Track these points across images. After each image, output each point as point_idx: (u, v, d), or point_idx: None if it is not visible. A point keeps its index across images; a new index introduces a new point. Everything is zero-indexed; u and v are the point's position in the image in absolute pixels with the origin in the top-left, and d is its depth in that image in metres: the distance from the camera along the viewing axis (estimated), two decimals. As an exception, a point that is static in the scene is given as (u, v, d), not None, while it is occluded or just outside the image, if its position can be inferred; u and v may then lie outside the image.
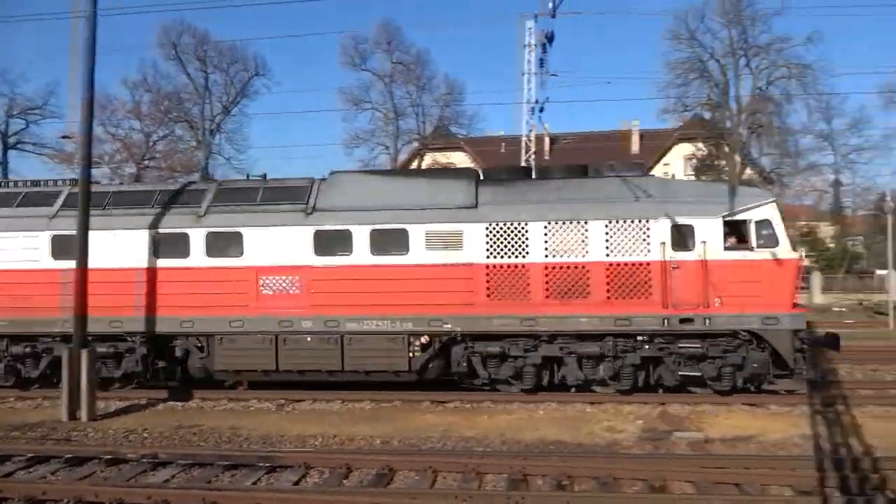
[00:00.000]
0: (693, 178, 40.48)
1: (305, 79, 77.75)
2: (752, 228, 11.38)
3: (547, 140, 50.92)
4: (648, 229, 11.48)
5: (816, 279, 34.39)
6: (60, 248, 12.38)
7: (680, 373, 11.59)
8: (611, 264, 11.51)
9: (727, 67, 37.75)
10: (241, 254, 12.25)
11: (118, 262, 12.38)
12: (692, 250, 11.35)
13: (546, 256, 11.62)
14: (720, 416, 10.84)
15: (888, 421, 10.43)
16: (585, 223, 11.61)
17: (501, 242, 11.71)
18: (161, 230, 12.45)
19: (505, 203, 11.93)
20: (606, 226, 11.57)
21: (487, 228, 11.73)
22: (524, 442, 9.54)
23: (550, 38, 28.09)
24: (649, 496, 7.07)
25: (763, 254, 11.28)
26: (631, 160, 44.74)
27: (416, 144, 43.07)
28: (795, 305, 11.41)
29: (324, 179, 12.93)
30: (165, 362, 12.86)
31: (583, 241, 11.59)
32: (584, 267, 11.54)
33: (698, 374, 11.57)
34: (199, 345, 12.52)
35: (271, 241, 12.17)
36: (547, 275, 11.59)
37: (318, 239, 12.05)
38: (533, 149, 32.94)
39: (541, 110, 31.69)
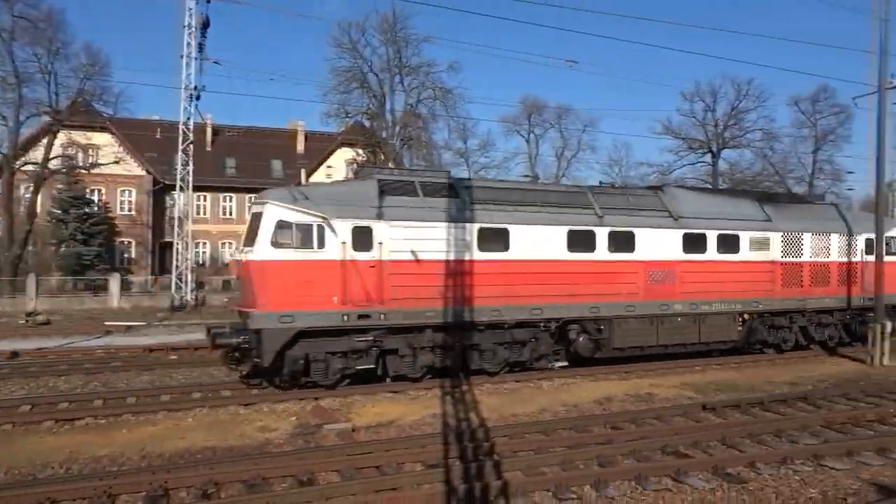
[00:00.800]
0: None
1: None
2: (893, 242, 18.49)
3: (209, 130, 48.30)
4: (856, 241, 18.03)
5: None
6: (484, 240, 13.08)
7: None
8: (840, 263, 17.68)
9: (384, 82, 40.93)
10: (634, 250, 14.70)
11: (537, 254, 13.57)
12: (872, 255, 17.27)
13: (811, 256, 17.17)
14: (367, 405, 11.65)
15: (499, 395, 12.51)
16: (829, 235, 17.61)
17: (789, 246, 16.86)
18: (573, 227, 14.07)
19: (788, 219, 17.09)
20: (838, 238, 17.74)
21: (782, 236, 16.68)
22: (168, 454, 8.84)
23: (206, 24, 26.72)
24: (295, 491, 7.19)
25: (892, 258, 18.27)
26: (296, 158, 45.70)
27: (46, 118, 36.48)
28: None
29: (660, 189, 16.96)
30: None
31: (827, 247, 17.53)
32: (827, 265, 17.51)
33: None
34: (599, 327, 14.48)
35: (655, 241, 14.95)
36: (811, 269, 17.21)
37: (685, 240, 15.34)
38: (191, 137, 30.84)
39: (197, 98, 29.88)
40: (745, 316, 16.54)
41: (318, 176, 49.48)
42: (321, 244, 11.80)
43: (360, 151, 42.34)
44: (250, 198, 36.22)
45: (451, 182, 13.60)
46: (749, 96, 59.10)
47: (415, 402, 11.89)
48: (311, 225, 11.77)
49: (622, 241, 14.55)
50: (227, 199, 48.41)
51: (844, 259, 17.80)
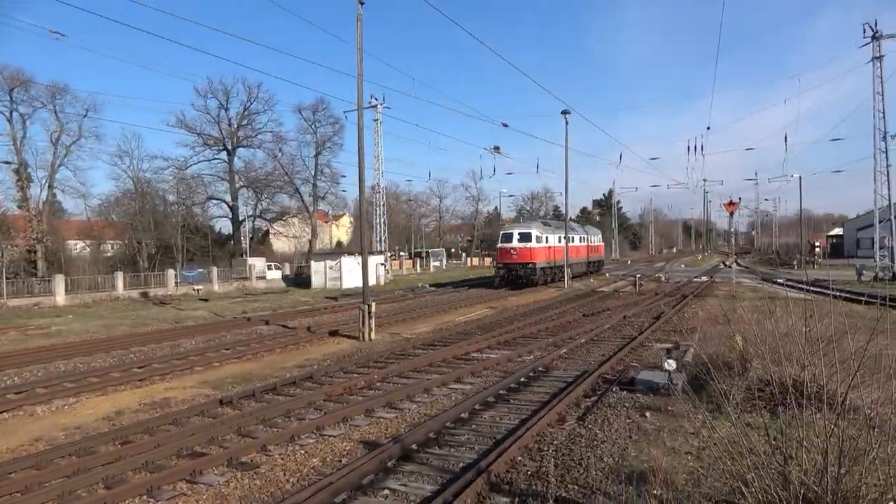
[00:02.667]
0: None
1: None
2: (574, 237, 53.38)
3: None
4: (593, 237, 54.72)
5: None
6: (556, 240, 43.26)
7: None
8: (594, 245, 53.93)
9: None
10: (574, 242, 45.98)
11: (558, 244, 41.71)
12: (592, 243, 54.47)
13: (589, 243, 52.22)
14: None
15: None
16: (590, 235, 53.21)
17: (587, 239, 51.65)
18: (569, 234, 43.11)
19: (585, 231, 53.50)
20: (591, 236, 53.91)
21: (587, 237, 52.63)
22: None
23: None
24: None
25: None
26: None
27: None
28: None
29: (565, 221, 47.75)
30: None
31: (591, 240, 52.68)
32: (592, 246, 52.56)
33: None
34: (571, 268, 43.56)
35: (576, 239, 47.25)
36: (590, 248, 52.14)
37: (576, 238, 47.51)
38: None
39: None
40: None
41: None
42: (546, 241, 39.91)
43: None
44: None
45: (545, 221, 47.16)
46: (259, 99, 62.82)
47: None
48: (542, 235, 39.49)
49: (573, 239, 43.68)
50: None
51: (592, 244, 51.06)
